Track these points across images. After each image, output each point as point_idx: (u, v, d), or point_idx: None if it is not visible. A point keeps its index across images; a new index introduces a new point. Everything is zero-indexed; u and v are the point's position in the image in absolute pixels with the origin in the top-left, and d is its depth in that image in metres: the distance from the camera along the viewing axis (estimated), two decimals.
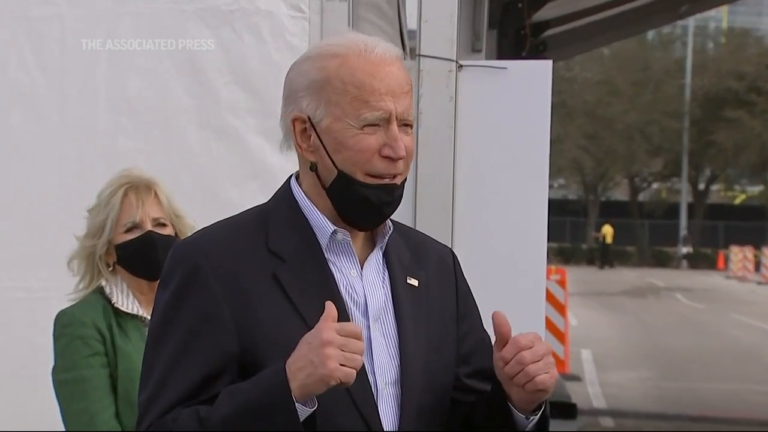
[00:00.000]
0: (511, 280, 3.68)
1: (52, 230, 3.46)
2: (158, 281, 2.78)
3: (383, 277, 1.88)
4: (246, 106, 3.58)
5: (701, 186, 41.67)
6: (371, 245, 1.90)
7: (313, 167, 1.84)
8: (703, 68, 38.73)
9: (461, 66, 3.75)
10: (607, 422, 9.98)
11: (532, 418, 1.83)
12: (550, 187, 4.17)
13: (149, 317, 2.78)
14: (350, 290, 1.84)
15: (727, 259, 34.21)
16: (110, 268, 2.83)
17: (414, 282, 1.90)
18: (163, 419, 1.75)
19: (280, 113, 1.88)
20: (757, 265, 32.14)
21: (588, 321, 17.23)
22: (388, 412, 1.82)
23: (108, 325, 2.75)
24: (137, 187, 2.81)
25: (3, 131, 3.65)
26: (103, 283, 2.81)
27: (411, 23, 3.90)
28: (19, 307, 3.57)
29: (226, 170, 3.58)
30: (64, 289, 2.87)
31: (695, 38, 40.77)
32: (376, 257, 1.89)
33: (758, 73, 37.07)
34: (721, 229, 40.79)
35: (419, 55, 3.71)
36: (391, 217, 1.89)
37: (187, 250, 1.83)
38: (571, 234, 40.65)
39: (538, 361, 1.76)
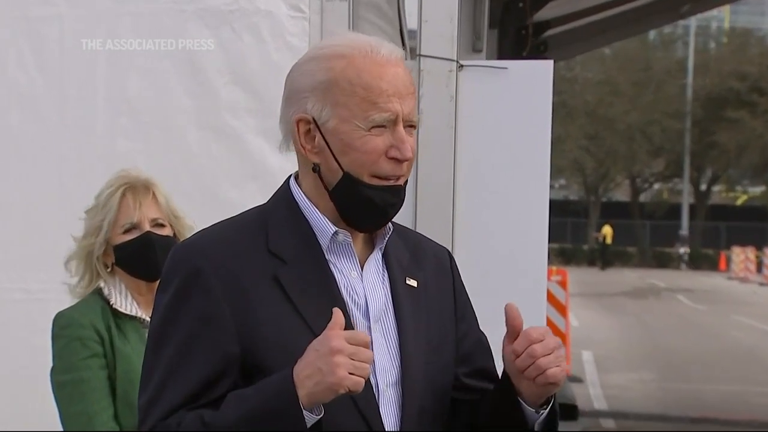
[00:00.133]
0: (511, 281, 3.67)
1: (51, 231, 3.45)
2: (157, 282, 2.83)
3: (383, 278, 1.88)
4: (246, 106, 3.57)
5: (703, 187, 41.67)
6: (371, 246, 1.89)
7: (316, 168, 1.83)
8: (705, 68, 38.73)
9: (462, 66, 3.74)
10: (609, 424, 9.97)
11: (541, 412, 1.83)
12: (551, 187, 4.15)
13: (148, 318, 2.78)
14: (351, 291, 1.84)
15: (728, 260, 34.21)
16: (108, 269, 2.82)
17: (413, 283, 1.90)
18: (166, 422, 1.74)
19: (280, 114, 1.87)
20: (759, 266, 32.13)
21: (589, 322, 17.22)
22: (389, 413, 1.81)
23: (106, 326, 2.74)
24: (135, 188, 2.81)
25: (2, 131, 3.64)
26: (102, 284, 2.81)
27: (411, 23, 3.89)
28: (17, 308, 3.57)
29: (225, 171, 3.57)
30: (62, 290, 2.86)
31: (697, 38, 40.78)
32: (375, 258, 1.89)
33: (760, 73, 37.07)
34: (722, 230, 40.80)
35: (419, 55, 3.70)
36: None
37: (187, 251, 1.82)
38: (572, 235, 40.66)
39: (549, 354, 1.76)
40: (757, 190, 44.03)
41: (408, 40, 3.90)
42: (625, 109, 37.62)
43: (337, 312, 1.72)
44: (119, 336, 2.75)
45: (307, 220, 1.85)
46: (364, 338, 1.70)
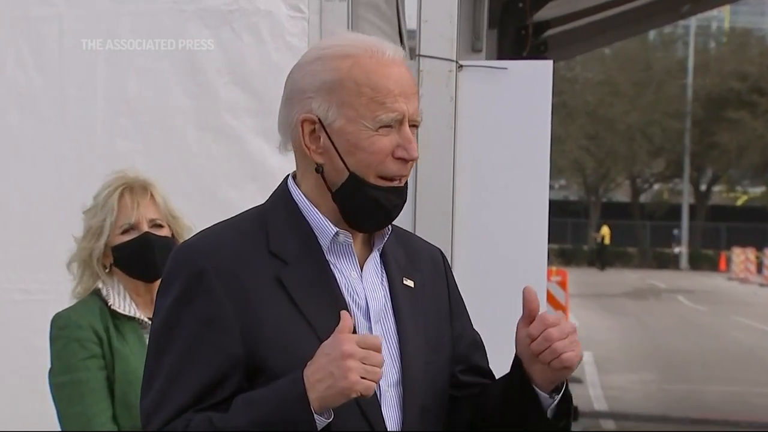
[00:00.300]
0: (511, 281, 3.66)
1: (51, 231, 3.44)
2: (156, 283, 2.83)
3: (382, 279, 1.88)
4: (245, 106, 3.57)
5: (703, 187, 41.66)
6: (369, 247, 1.89)
7: (320, 169, 1.82)
8: (705, 68, 38.72)
9: (461, 66, 3.74)
10: (609, 425, 9.97)
11: (555, 396, 1.82)
12: (551, 188, 4.16)
13: (146, 319, 2.78)
14: (352, 292, 1.84)
15: (729, 261, 34.20)
16: (107, 270, 2.81)
17: (410, 283, 1.90)
18: (173, 424, 1.73)
19: (280, 114, 1.86)
20: (759, 267, 32.12)
21: (589, 323, 17.21)
22: (391, 414, 1.82)
23: (105, 327, 2.74)
24: (133, 188, 2.80)
25: (2, 132, 3.64)
26: (100, 285, 2.80)
27: (411, 23, 3.89)
28: (17, 308, 3.56)
29: (225, 171, 3.57)
30: (62, 291, 2.86)
31: (697, 38, 40.77)
32: (374, 259, 1.89)
33: (760, 73, 37.07)
34: (723, 231, 40.78)
35: (419, 56, 3.70)
36: None
37: (189, 253, 1.82)
38: (572, 235, 40.65)
39: (565, 338, 1.77)
40: (758, 190, 44.03)
41: (407, 41, 3.90)
42: (625, 109, 37.61)
43: (345, 315, 1.72)
44: (117, 337, 2.74)
45: (306, 220, 1.84)
46: (376, 342, 1.70)
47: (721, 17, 49.56)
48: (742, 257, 32.32)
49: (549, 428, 1.83)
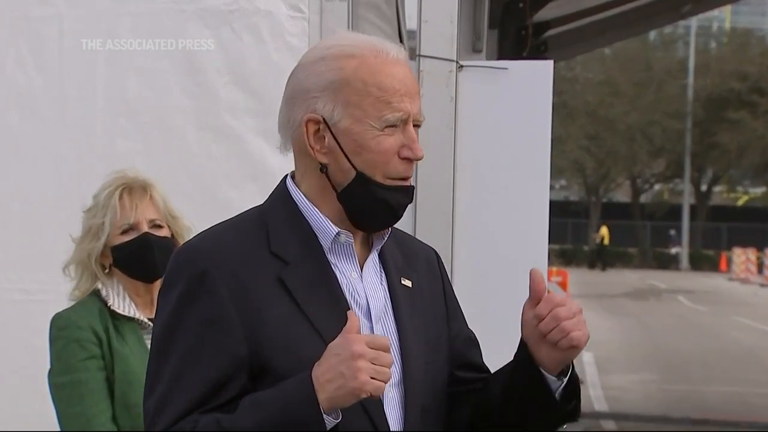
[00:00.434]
0: (511, 282, 3.65)
1: (50, 232, 3.44)
2: (155, 283, 2.82)
3: (381, 279, 1.88)
4: (245, 106, 3.56)
5: (703, 187, 41.65)
6: (368, 247, 1.89)
7: (324, 169, 1.82)
8: (706, 69, 38.71)
9: (461, 66, 3.74)
10: (609, 425, 9.97)
11: (563, 378, 1.82)
12: (552, 188, 4.16)
13: (146, 320, 2.77)
14: (353, 292, 1.84)
15: (729, 261, 34.19)
16: (106, 271, 2.81)
17: (408, 283, 1.90)
18: (179, 425, 1.73)
19: (282, 115, 1.86)
20: (760, 267, 32.11)
21: (589, 323, 16.88)
22: (392, 413, 1.82)
23: (104, 327, 2.74)
24: (132, 189, 2.80)
25: (1, 132, 3.64)
26: (99, 285, 2.80)
27: (411, 23, 3.88)
28: (17, 308, 3.56)
29: (224, 171, 3.56)
30: (61, 291, 2.85)
31: (698, 38, 40.76)
32: (373, 259, 1.89)
33: (761, 73, 37.06)
34: (723, 231, 40.78)
35: (419, 56, 3.69)
36: None
37: (190, 254, 1.81)
38: (572, 236, 40.64)
39: (572, 318, 1.77)
40: (758, 190, 44.02)
41: (407, 40, 3.89)
42: (625, 109, 37.60)
43: (352, 315, 1.72)
44: (117, 337, 2.74)
45: (307, 220, 1.84)
46: (385, 342, 1.71)
47: (722, 17, 49.56)
48: (742, 257, 32.31)
49: (559, 410, 1.82)
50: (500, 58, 6.36)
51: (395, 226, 1.91)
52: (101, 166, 3.28)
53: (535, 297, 1.80)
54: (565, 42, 9.44)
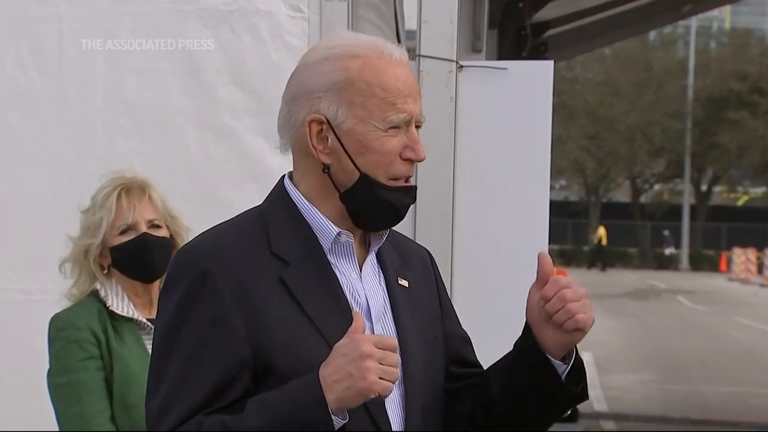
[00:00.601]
0: (511, 282, 3.66)
1: (50, 231, 3.43)
2: (155, 284, 2.82)
3: (379, 279, 1.89)
4: (245, 106, 3.56)
5: (703, 187, 41.65)
6: (365, 247, 1.89)
7: (326, 169, 1.81)
8: (706, 69, 38.71)
9: (461, 66, 3.74)
10: (609, 425, 9.96)
11: (568, 362, 1.82)
12: (552, 188, 4.16)
13: (144, 320, 2.77)
14: (353, 292, 1.84)
15: (729, 261, 34.18)
16: (105, 271, 2.81)
17: (405, 283, 1.91)
18: (184, 426, 1.72)
19: (282, 115, 1.85)
20: (760, 267, 32.11)
21: None
22: (394, 414, 1.82)
23: (103, 328, 2.73)
24: (131, 189, 2.80)
25: (1, 132, 3.63)
26: (98, 286, 2.80)
27: (411, 24, 3.88)
28: (16, 308, 3.56)
29: (224, 171, 3.56)
30: (61, 291, 2.85)
31: (698, 38, 40.76)
32: (371, 259, 1.89)
33: (761, 73, 37.06)
34: (723, 231, 40.77)
35: (419, 56, 3.69)
36: None
37: (192, 255, 1.81)
38: (572, 236, 40.63)
39: (578, 301, 1.78)
40: (758, 190, 44.02)
41: (407, 41, 3.89)
42: (625, 109, 37.60)
43: (357, 316, 1.72)
44: (116, 338, 2.74)
45: (306, 221, 1.84)
46: (392, 342, 1.71)
47: (722, 17, 49.57)
48: (742, 258, 32.31)
49: (567, 393, 1.83)
50: (500, 58, 6.37)
51: (407, 226, 1.91)
52: (101, 166, 3.28)
53: (542, 279, 1.81)
54: (565, 42, 9.45)
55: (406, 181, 1.84)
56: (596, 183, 41.67)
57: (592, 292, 1.87)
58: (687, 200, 40.01)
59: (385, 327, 1.85)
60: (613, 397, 11.07)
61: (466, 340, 1.99)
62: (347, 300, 1.82)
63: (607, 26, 9.52)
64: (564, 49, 10.38)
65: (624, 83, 37.84)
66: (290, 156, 1.89)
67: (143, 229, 2.79)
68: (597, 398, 10.93)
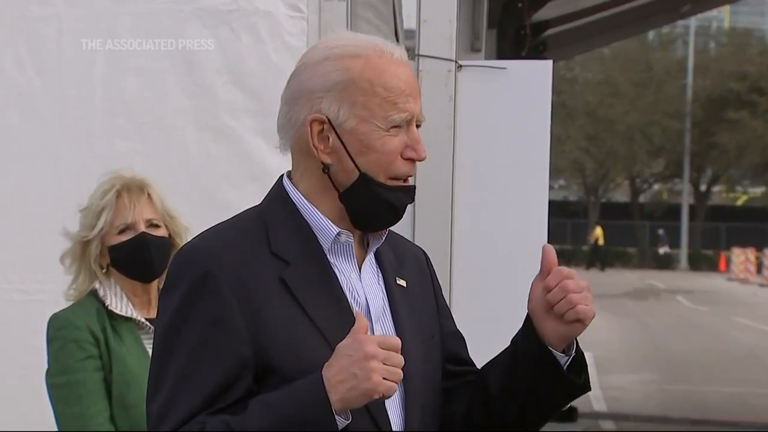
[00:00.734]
0: (511, 282, 3.66)
1: (50, 231, 3.42)
2: (154, 284, 2.82)
3: (378, 279, 1.89)
4: (244, 106, 3.56)
5: (703, 187, 41.66)
6: (364, 247, 1.89)
7: (326, 169, 1.81)
8: (705, 69, 38.72)
9: (460, 66, 3.74)
10: (608, 425, 9.96)
11: (570, 353, 1.83)
12: (551, 188, 4.16)
13: (143, 320, 2.77)
14: (353, 292, 1.84)
15: (728, 261, 34.18)
16: (104, 271, 2.81)
17: (402, 282, 1.91)
18: (186, 426, 1.72)
19: (282, 115, 1.85)
20: (759, 267, 32.11)
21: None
22: (394, 413, 1.82)
23: (102, 327, 2.73)
24: (130, 189, 2.80)
25: (0, 132, 3.63)
26: (97, 285, 2.80)
27: (410, 23, 3.89)
28: (16, 308, 3.56)
29: (224, 171, 3.56)
30: (60, 291, 2.85)
31: (697, 38, 40.76)
32: (370, 259, 1.89)
33: (760, 73, 37.06)
34: (722, 231, 40.78)
35: (418, 55, 3.70)
36: None
37: (192, 255, 1.81)
38: (571, 236, 40.63)
39: (580, 292, 1.79)
40: (758, 190, 44.03)
41: (406, 40, 3.90)
42: (624, 109, 37.60)
43: (360, 316, 1.72)
44: (115, 338, 2.74)
45: (306, 221, 1.84)
46: (396, 342, 1.71)
47: (721, 17, 49.57)
48: (741, 257, 32.30)
49: (568, 384, 1.83)
50: (499, 57, 6.37)
51: (409, 226, 1.91)
52: (100, 166, 3.28)
53: (545, 270, 1.83)
54: (564, 42, 9.45)
55: (405, 180, 1.84)
56: (595, 183, 41.68)
57: (591, 292, 1.87)
58: (686, 200, 40.02)
59: (384, 327, 1.85)
60: (612, 397, 11.07)
61: (461, 339, 2.00)
62: (347, 300, 1.82)
63: (606, 26, 9.53)
64: (563, 49, 10.39)
65: (623, 83, 37.83)
66: (290, 156, 1.89)
67: (142, 228, 2.79)
68: (596, 398, 10.93)
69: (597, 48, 24.16)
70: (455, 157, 3.70)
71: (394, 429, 1.80)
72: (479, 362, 1.99)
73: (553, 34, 8.41)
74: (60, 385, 2.71)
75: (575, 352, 1.84)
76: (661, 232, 39.37)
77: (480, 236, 3.73)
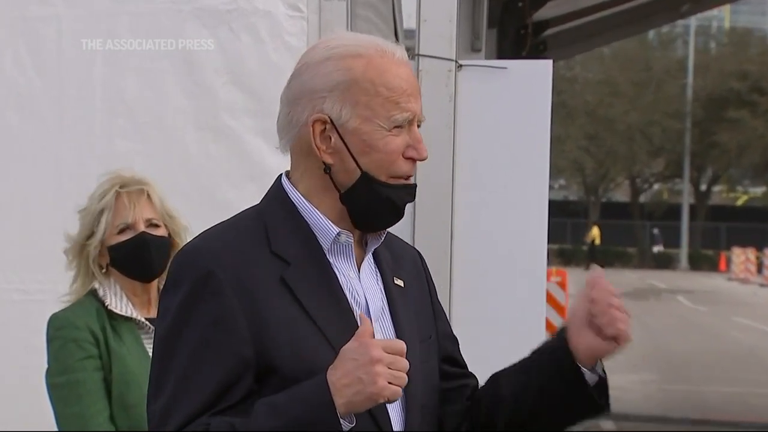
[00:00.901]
0: (511, 282, 3.66)
1: (49, 232, 3.43)
2: (154, 284, 2.82)
3: (377, 279, 1.89)
4: (244, 106, 3.56)
5: (703, 187, 41.66)
6: (362, 247, 1.89)
7: (327, 169, 1.81)
8: (705, 68, 38.72)
9: (461, 66, 3.74)
10: (608, 425, 9.96)
11: (597, 370, 1.84)
12: (551, 188, 4.16)
13: (143, 319, 2.77)
14: (353, 292, 1.84)
15: (729, 261, 34.18)
16: (103, 270, 2.81)
17: (400, 283, 1.91)
18: (189, 427, 1.71)
19: (283, 115, 1.85)
20: (760, 267, 32.11)
21: None
22: (394, 414, 1.82)
23: (102, 327, 2.73)
24: (129, 188, 2.80)
25: (0, 132, 3.63)
26: (97, 285, 2.80)
27: (410, 23, 3.88)
28: (16, 308, 3.56)
29: (223, 171, 3.56)
30: (60, 291, 2.85)
31: (697, 38, 40.77)
32: (368, 259, 1.89)
33: (761, 73, 37.07)
34: (723, 231, 40.78)
35: (418, 55, 3.70)
36: None
37: (193, 255, 1.80)
38: (571, 235, 40.63)
39: (623, 313, 1.82)
40: (758, 190, 44.03)
41: (405, 40, 3.89)
42: (625, 109, 37.61)
43: (364, 319, 1.72)
44: (114, 337, 2.73)
45: (305, 221, 1.84)
46: (401, 346, 1.70)
47: (722, 17, 49.59)
48: (742, 257, 32.30)
49: (589, 401, 1.84)
50: (499, 57, 6.37)
51: (409, 226, 1.92)
52: (100, 166, 3.28)
53: (593, 284, 1.84)
54: (565, 41, 9.45)
55: (406, 179, 1.84)
56: (595, 182, 41.68)
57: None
58: (686, 200, 40.02)
59: (383, 327, 1.85)
60: (612, 397, 11.00)
61: (455, 340, 2.00)
62: (348, 300, 1.81)
63: (606, 25, 9.52)
64: (563, 49, 10.39)
65: (623, 83, 37.84)
66: (289, 156, 1.89)
67: (142, 228, 2.79)
68: None
69: (597, 47, 24.15)
70: (455, 157, 3.70)
71: (394, 429, 1.80)
72: (478, 360, 1.99)
73: (554, 34, 8.41)
74: (60, 384, 2.71)
75: (602, 372, 1.85)
76: (656, 231, 39.40)
77: (480, 236, 3.72)
